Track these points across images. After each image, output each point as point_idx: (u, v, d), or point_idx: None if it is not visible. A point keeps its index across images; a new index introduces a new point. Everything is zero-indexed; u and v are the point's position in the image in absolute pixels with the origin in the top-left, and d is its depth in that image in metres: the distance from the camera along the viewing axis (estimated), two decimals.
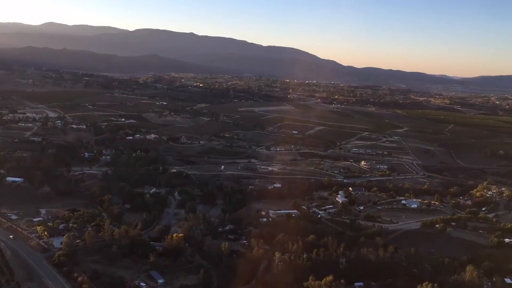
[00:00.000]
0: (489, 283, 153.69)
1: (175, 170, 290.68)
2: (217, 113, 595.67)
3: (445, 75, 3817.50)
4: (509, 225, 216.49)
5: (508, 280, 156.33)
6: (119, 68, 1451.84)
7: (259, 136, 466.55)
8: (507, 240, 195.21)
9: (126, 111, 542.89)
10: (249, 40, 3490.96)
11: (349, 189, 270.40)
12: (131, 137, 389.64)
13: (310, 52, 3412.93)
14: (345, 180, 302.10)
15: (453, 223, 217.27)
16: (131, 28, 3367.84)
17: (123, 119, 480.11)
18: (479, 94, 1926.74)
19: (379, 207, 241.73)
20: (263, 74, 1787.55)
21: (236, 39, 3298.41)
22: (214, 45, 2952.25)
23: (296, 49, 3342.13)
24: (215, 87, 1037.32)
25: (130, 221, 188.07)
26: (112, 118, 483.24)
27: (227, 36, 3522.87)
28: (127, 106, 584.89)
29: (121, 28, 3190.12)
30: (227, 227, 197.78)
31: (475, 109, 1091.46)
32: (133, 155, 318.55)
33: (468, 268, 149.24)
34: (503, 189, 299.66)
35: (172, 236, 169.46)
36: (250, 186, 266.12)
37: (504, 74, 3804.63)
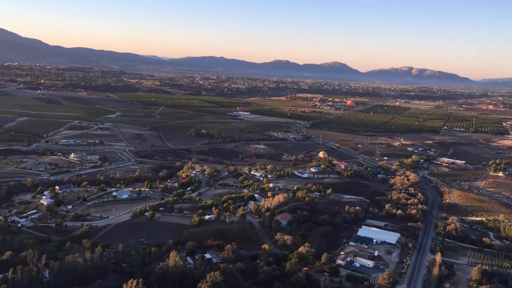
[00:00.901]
0: (192, 262, 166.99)
1: None
2: None
3: (155, 56, 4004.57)
4: (209, 202, 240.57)
5: (207, 255, 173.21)
6: None
7: None
8: (207, 217, 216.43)
9: None
10: None
11: (55, 188, 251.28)
12: None
13: (8, 30, 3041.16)
14: (52, 178, 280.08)
15: (161, 208, 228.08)
16: None
17: None
18: (186, 74, 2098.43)
19: (89, 204, 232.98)
20: None
21: None
22: None
23: None
24: None
25: None
26: None
27: None
28: None
29: None
30: None
31: (183, 90, 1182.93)
32: None
33: (171, 253, 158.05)
34: (205, 166, 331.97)
35: None
36: None
37: (206, 56, 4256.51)
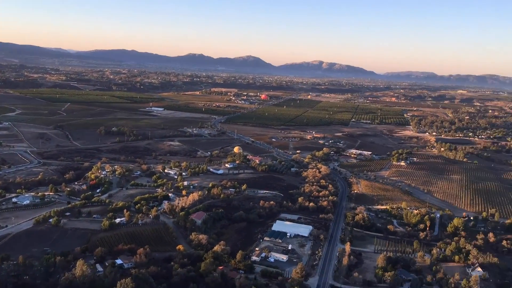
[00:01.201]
0: (102, 270, 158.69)
1: None
2: None
3: (60, 49, 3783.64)
4: (120, 204, 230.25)
5: (118, 261, 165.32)
6: None
7: None
8: (118, 220, 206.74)
9: None
10: None
11: None
12: None
13: None
14: None
15: (67, 213, 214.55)
16: None
17: None
18: (94, 68, 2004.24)
19: None
20: None
21: None
22: None
23: None
24: None
25: None
26: None
27: None
28: None
29: None
30: None
31: (91, 85, 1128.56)
32: None
33: (78, 261, 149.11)
34: (116, 166, 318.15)
35: None
36: None
37: (116, 49, 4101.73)
